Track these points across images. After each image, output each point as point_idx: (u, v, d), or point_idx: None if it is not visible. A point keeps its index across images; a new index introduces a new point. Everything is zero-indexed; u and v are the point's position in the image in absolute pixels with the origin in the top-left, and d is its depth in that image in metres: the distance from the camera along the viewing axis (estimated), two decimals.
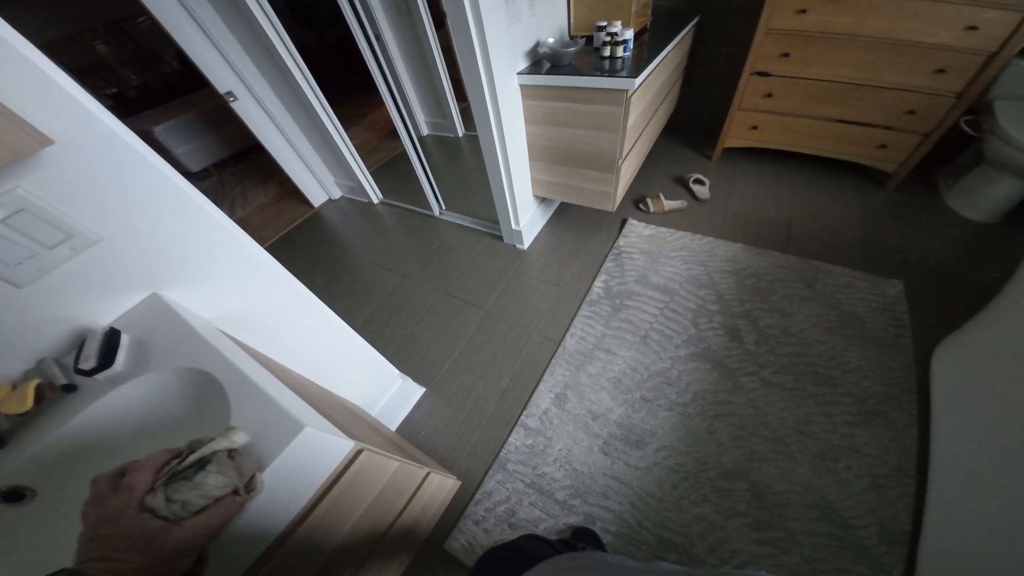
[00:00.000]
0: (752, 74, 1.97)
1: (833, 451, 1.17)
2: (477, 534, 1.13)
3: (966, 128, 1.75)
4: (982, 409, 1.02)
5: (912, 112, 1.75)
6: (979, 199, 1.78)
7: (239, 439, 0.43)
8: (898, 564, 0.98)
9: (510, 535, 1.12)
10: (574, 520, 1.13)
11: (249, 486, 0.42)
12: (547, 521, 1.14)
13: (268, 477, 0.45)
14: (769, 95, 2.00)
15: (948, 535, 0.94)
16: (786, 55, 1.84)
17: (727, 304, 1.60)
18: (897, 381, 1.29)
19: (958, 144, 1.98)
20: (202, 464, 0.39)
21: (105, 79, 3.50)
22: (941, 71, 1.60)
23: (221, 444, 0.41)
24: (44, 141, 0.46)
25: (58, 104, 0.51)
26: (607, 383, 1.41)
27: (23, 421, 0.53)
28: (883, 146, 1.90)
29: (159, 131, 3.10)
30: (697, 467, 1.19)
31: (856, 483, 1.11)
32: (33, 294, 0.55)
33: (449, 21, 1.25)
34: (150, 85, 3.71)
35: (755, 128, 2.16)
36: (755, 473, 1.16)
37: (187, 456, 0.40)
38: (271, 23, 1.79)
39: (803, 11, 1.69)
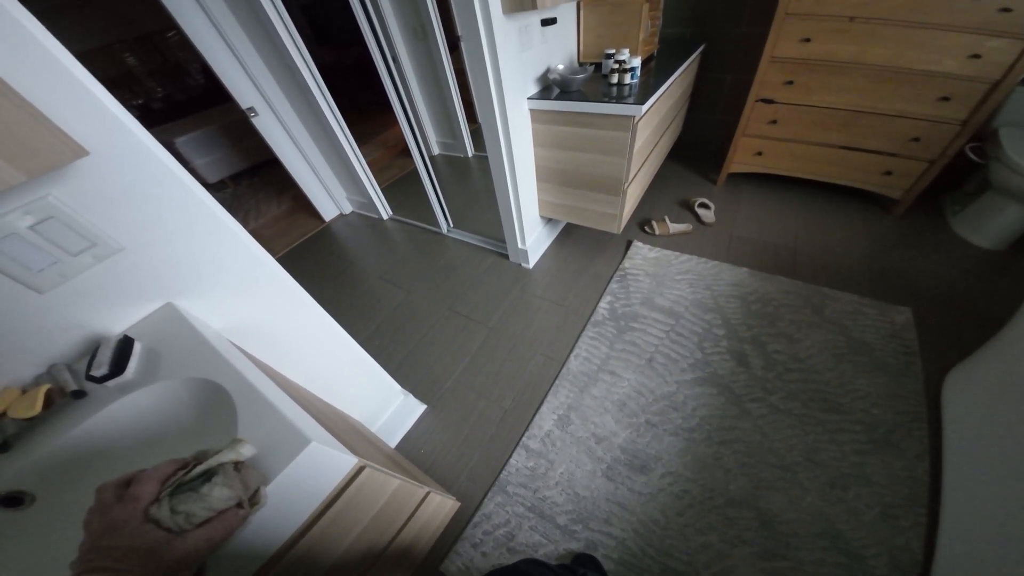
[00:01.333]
0: (757, 101, 2.01)
1: (843, 479, 1.14)
2: (475, 557, 1.10)
3: (972, 155, 1.76)
4: (995, 438, 1.00)
5: (917, 139, 1.76)
6: (986, 226, 1.77)
7: (246, 452, 0.43)
8: None
9: (508, 559, 1.09)
10: (575, 546, 1.10)
11: (253, 499, 0.42)
12: (547, 546, 1.11)
13: (272, 490, 0.45)
14: (774, 122, 2.04)
15: (960, 566, 0.91)
16: (790, 82, 1.88)
17: (733, 328, 1.59)
18: (908, 409, 1.27)
19: (964, 171, 1.99)
20: (208, 476, 0.39)
21: (132, 90, 3.64)
22: (945, 99, 1.63)
23: (228, 456, 0.41)
24: (79, 152, 0.48)
25: (95, 116, 0.53)
26: (611, 406, 1.40)
27: (30, 426, 0.53)
28: (888, 173, 1.92)
29: (181, 142, 3.20)
30: (703, 494, 1.16)
31: (866, 512, 1.07)
32: (52, 300, 0.57)
33: (463, 46, 1.30)
34: (174, 97, 3.85)
35: (760, 154, 2.19)
36: (763, 501, 1.13)
37: (193, 467, 0.40)
38: (294, 42, 1.86)
39: (807, 40, 1.73)
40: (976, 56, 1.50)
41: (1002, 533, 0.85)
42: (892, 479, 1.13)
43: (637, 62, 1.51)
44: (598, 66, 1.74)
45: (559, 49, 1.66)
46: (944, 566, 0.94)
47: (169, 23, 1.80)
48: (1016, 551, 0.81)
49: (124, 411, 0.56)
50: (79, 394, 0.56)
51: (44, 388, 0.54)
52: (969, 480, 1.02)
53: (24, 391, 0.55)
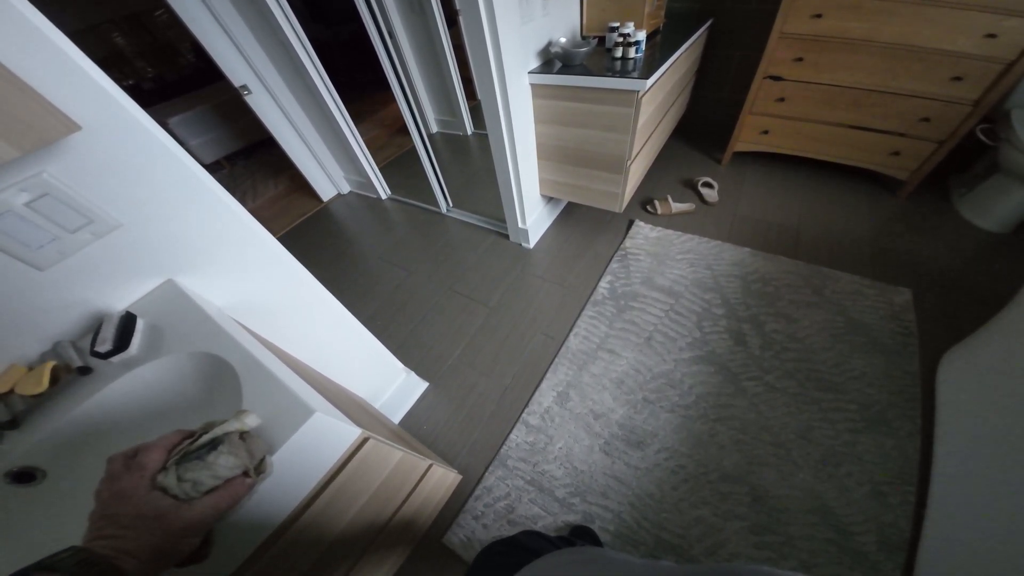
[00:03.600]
0: (765, 78, 1.96)
1: (835, 457, 1.17)
2: (476, 529, 1.14)
3: (982, 137, 1.73)
4: (986, 419, 1.01)
5: (927, 119, 1.73)
6: (993, 209, 1.76)
7: (251, 422, 0.44)
8: (896, 572, 0.97)
9: (509, 531, 1.13)
10: (573, 518, 1.14)
11: (259, 468, 0.43)
12: (546, 518, 1.15)
13: (277, 460, 0.46)
14: (781, 99, 1.99)
15: (947, 544, 0.94)
16: (800, 59, 1.83)
17: (732, 308, 1.60)
18: (902, 389, 1.29)
19: (973, 153, 1.95)
20: (214, 445, 0.40)
21: (122, 71, 3.56)
22: (958, 79, 1.58)
23: (233, 426, 0.42)
24: (72, 127, 0.48)
25: (85, 91, 0.52)
26: (609, 383, 1.42)
27: (37, 403, 0.54)
28: (896, 153, 1.89)
29: (174, 123, 3.14)
30: (698, 469, 1.19)
31: (857, 490, 1.10)
32: (53, 277, 0.57)
33: (462, 19, 1.26)
34: (166, 77, 3.76)
35: (766, 132, 2.15)
36: (756, 477, 1.15)
37: (199, 437, 0.41)
38: (287, 18, 1.81)
39: (819, 16, 1.67)
40: (992, 36, 1.45)
41: (989, 512, 0.87)
42: (883, 457, 1.15)
43: (642, 36, 1.46)
44: (602, 40, 1.69)
45: (561, 22, 1.61)
46: (931, 544, 0.97)
47: (157, 1, 1.74)
48: (1002, 530, 0.83)
49: (130, 386, 0.57)
50: (85, 370, 0.57)
51: (50, 365, 0.55)
52: (959, 460, 1.04)
53: (30, 368, 0.56)
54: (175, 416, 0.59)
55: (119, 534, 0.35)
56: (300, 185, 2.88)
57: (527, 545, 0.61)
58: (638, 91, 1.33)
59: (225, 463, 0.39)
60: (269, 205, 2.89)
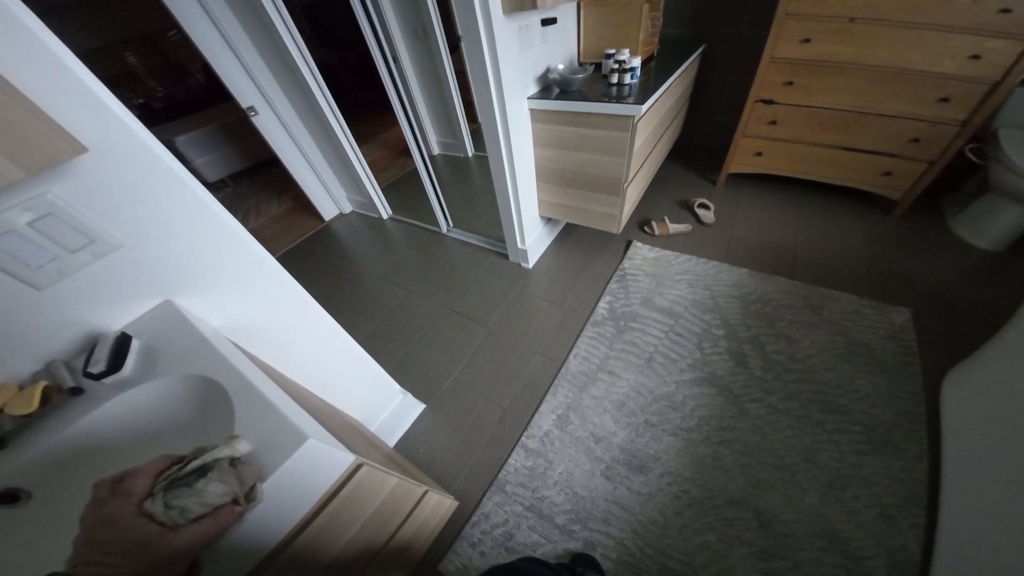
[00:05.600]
0: (756, 102, 2.01)
1: (841, 480, 1.14)
2: (473, 557, 1.10)
3: (971, 156, 1.76)
4: (993, 438, 1.00)
5: (916, 140, 1.76)
6: (986, 227, 1.77)
7: (242, 448, 0.43)
8: None
9: (507, 559, 1.09)
10: (574, 546, 1.10)
11: (249, 496, 0.42)
12: (546, 546, 1.11)
13: (268, 487, 0.45)
14: (773, 122, 2.04)
15: (959, 567, 0.91)
16: (790, 83, 1.88)
17: (732, 329, 1.59)
18: (906, 410, 1.27)
19: (964, 172, 1.99)
20: (203, 471, 0.39)
21: (133, 89, 3.67)
22: (945, 100, 1.63)
23: (223, 452, 0.41)
24: (79, 149, 0.48)
25: (95, 113, 0.53)
26: (610, 406, 1.40)
27: (27, 423, 0.53)
28: (888, 173, 1.92)
29: (181, 141, 3.21)
30: (702, 494, 1.16)
31: (865, 513, 1.07)
32: (50, 296, 0.57)
33: (464, 46, 1.30)
34: (175, 96, 3.86)
35: (760, 155, 2.19)
36: (761, 501, 1.12)
37: (188, 462, 0.40)
38: (295, 42, 1.87)
39: (807, 40, 1.73)
40: (976, 57, 1.50)
41: (1001, 534, 0.85)
42: (891, 480, 1.12)
43: (637, 62, 1.51)
44: (598, 66, 1.75)
45: (559, 49, 1.66)
46: (943, 567, 0.94)
47: (170, 22, 1.81)
48: (1015, 552, 0.81)
49: (121, 408, 0.56)
50: (76, 391, 0.56)
51: (41, 385, 0.54)
52: (968, 481, 1.01)
53: (21, 388, 0.55)
54: (166, 440, 0.58)
55: (104, 561, 0.34)
56: (303, 204, 2.92)
57: (527, 571, 0.59)
58: (633, 116, 1.37)
59: (214, 490, 0.38)
60: (271, 224, 2.92)
